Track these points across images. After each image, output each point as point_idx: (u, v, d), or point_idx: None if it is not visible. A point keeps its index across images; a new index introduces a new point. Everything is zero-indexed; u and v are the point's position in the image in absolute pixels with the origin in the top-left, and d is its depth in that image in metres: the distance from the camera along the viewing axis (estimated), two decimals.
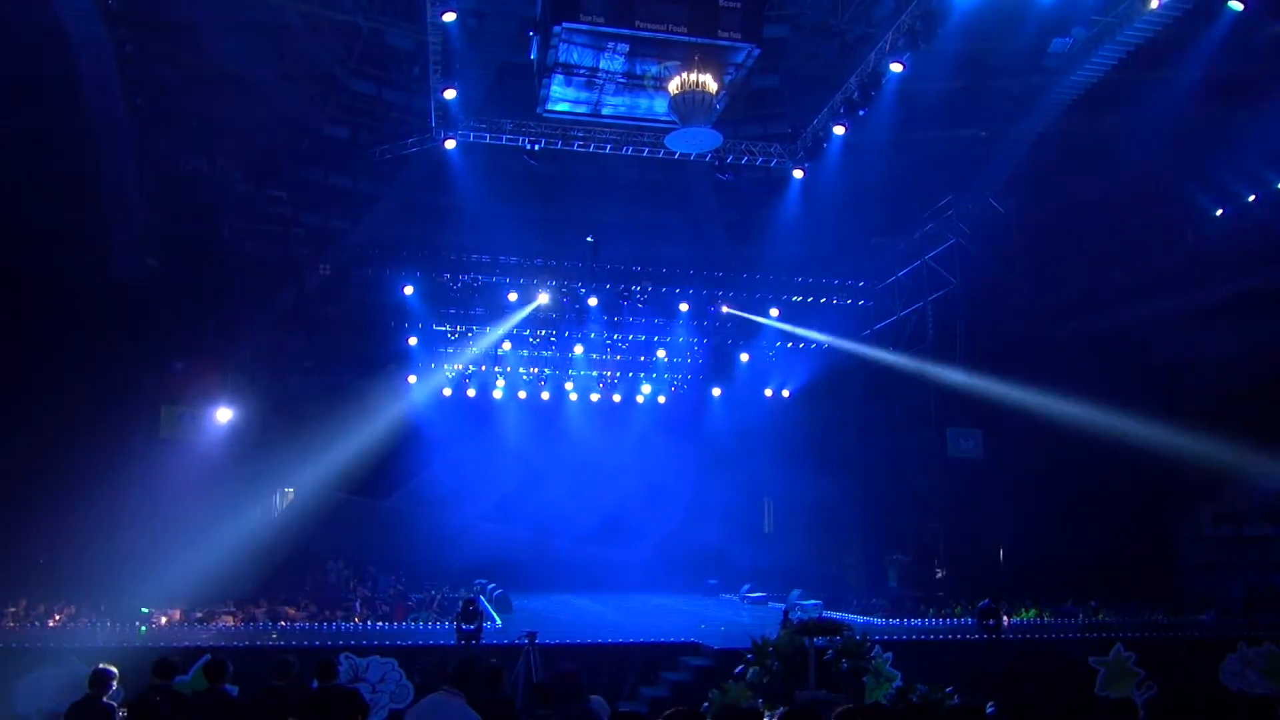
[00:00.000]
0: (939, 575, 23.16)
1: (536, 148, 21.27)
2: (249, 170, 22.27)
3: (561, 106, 19.29)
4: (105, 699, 7.58)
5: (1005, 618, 17.07)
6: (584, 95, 18.97)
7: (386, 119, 23.12)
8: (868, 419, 27.86)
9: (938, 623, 18.46)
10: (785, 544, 28.67)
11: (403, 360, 27.14)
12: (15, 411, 17.74)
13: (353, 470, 26.28)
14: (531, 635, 11.89)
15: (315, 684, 8.20)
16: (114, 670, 7.80)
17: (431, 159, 22.33)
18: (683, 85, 16.96)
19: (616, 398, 30.40)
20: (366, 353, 26.41)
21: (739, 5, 16.60)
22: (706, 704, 9.70)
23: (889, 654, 12.64)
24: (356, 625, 17.55)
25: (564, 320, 27.21)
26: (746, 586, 25.28)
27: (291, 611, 18.44)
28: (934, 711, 9.04)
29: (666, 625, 18.33)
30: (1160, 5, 16.25)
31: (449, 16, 16.96)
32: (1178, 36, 17.65)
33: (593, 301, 26.45)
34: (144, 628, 15.15)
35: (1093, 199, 21.44)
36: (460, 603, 14.37)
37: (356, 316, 25.88)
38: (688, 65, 17.00)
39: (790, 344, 28.94)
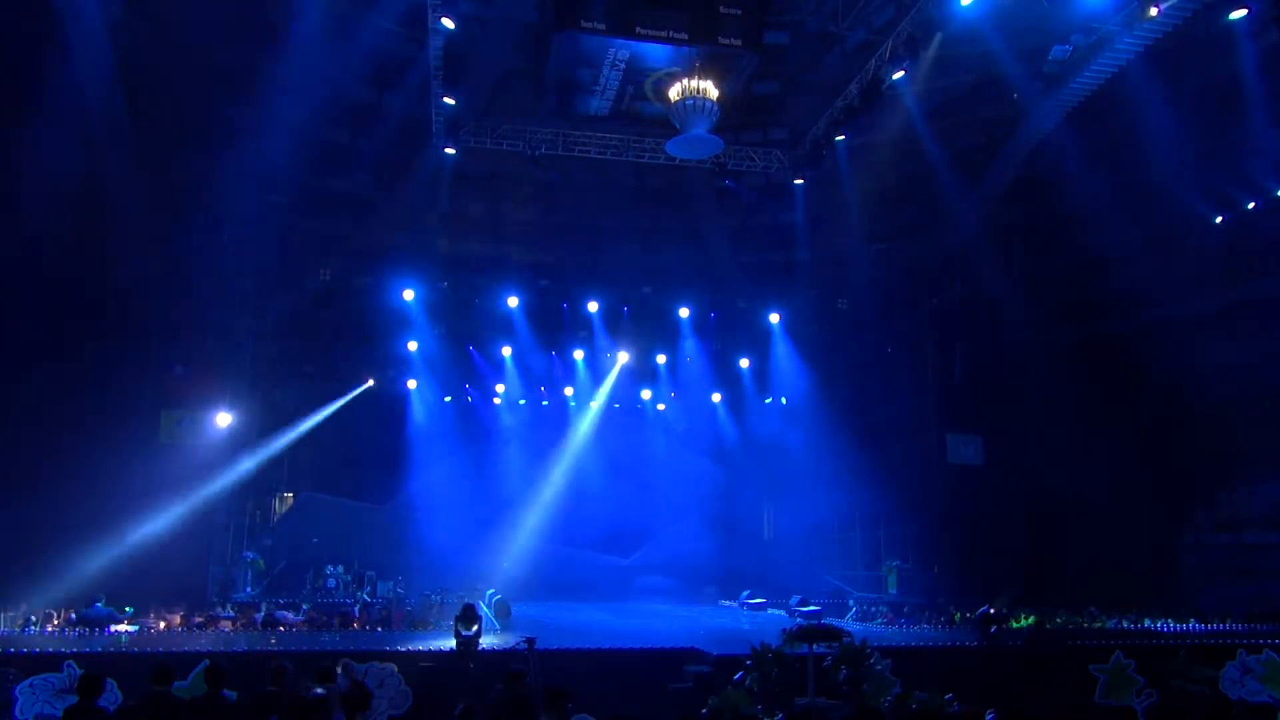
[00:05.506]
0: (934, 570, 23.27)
1: (537, 153, 21.31)
2: (250, 175, 22.28)
3: (563, 112, 19.37)
4: (99, 704, 7.56)
5: (1004, 624, 17.01)
6: (585, 101, 19.05)
7: (388, 124, 23.14)
8: (868, 425, 27.84)
9: (937, 630, 18.43)
10: (785, 550, 28.63)
11: (402, 366, 27.15)
12: (15, 416, 17.73)
13: (352, 475, 26.35)
14: (530, 641, 11.85)
15: (319, 690, 8.24)
16: (104, 676, 7.78)
17: (432, 164, 22.36)
18: (683, 91, 17.03)
19: (615, 404, 30.39)
20: (366, 358, 26.43)
21: (739, 12, 16.69)
22: (706, 710, 9.70)
23: (888, 661, 12.60)
24: (355, 630, 17.56)
25: (564, 326, 27.23)
26: (746, 593, 25.24)
27: (290, 617, 18.41)
28: (933, 718, 9.03)
29: (666, 631, 18.28)
30: (1160, 13, 16.29)
31: (448, 23, 17.01)
32: (1178, 44, 17.71)
33: (593, 307, 26.46)
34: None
35: (1092, 206, 21.46)
36: (459, 607, 14.32)
37: (356, 322, 25.89)
38: (688, 72, 17.07)
39: (790, 350, 28.95)
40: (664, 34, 16.58)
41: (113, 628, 16.05)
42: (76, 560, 17.53)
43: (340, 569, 23.72)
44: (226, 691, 8.21)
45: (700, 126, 17.21)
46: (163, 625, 17.05)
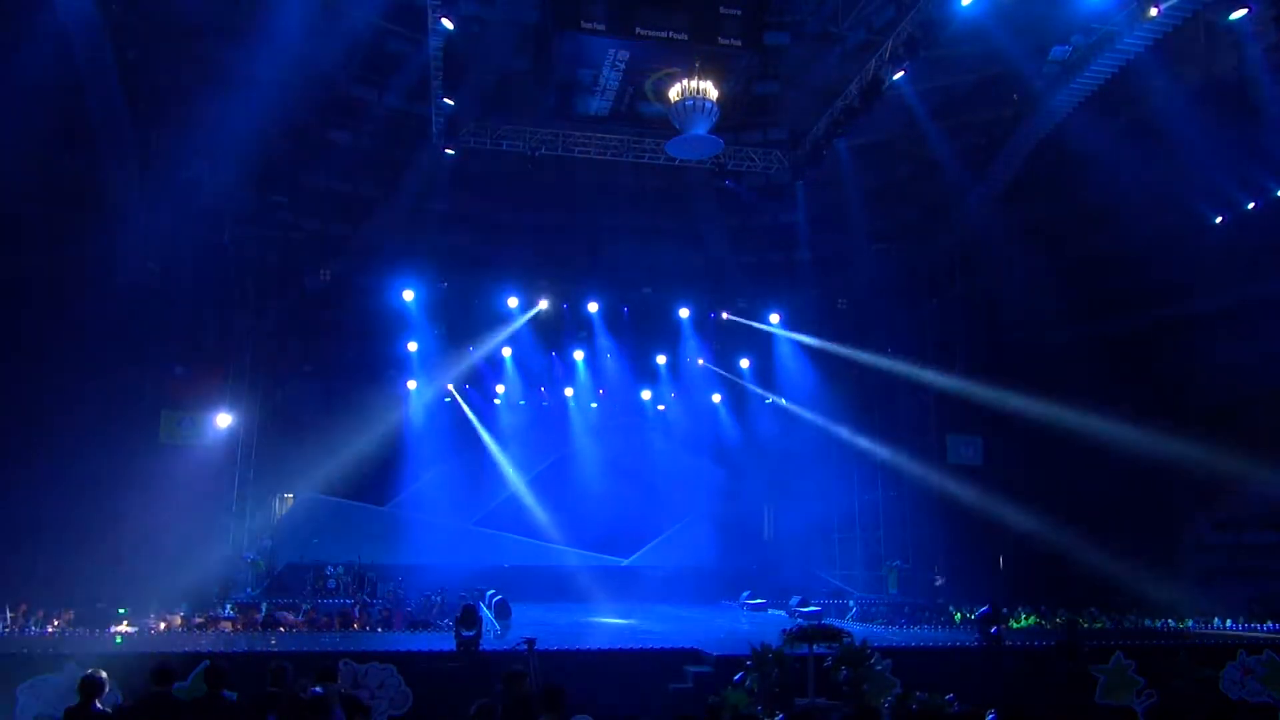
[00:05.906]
0: (938, 583, 23.11)
1: (537, 154, 21.30)
2: (250, 176, 22.31)
3: (563, 113, 19.36)
4: (98, 705, 7.56)
5: (1005, 625, 17.00)
6: (585, 101, 19.04)
7: (387, 125, 23.14)
8: (867, 426, 27.85)
9: (937, 630, 18.43)
10: (785, 550, 28.63)
11: (402, 366, 27.16)
12: (15, 415, 17.75)
13: (352, 476, 26.34)
14: (530, 641, 11.83)
15: (317, 689, 8.23)
16: (104, 676, 7.77)
17: (432, 165, 22.36)
18: (683, 92, 17.01)
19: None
20: (366, 358, 26.44)
21: (739, 12, 16.70)
22: (706, 710, 9.68)
23: (888, 661, 12.59)
24: (355, 631, 17.55)
25: (564, 326, 27.22)
26: (746, 593, 25.22)
27: (290, 617, 18.40)
28: (933, 718, 9.02)
29: (666, 631, 18.27)
30: (1160, 13, 16.29)
31: (447, 23, 17.01)
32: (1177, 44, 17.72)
33: (593, 307, 26.45)
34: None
35: (1093, 206, 21.46)
36: (459, 608, 14.32)
37: (356, 322, 25.91)
38: (688, 72, 17.05)
39: (791, 350, 28.93)
40: (664, 34, 16.59)
41: (113, 628, 16.05)
42: (77, 560, 17.52)
43: (340, 569, 23.72)
44: (226, 692, 8.21)
45: (700, 127, 17.19)
46: (163, 625, 17.04)
